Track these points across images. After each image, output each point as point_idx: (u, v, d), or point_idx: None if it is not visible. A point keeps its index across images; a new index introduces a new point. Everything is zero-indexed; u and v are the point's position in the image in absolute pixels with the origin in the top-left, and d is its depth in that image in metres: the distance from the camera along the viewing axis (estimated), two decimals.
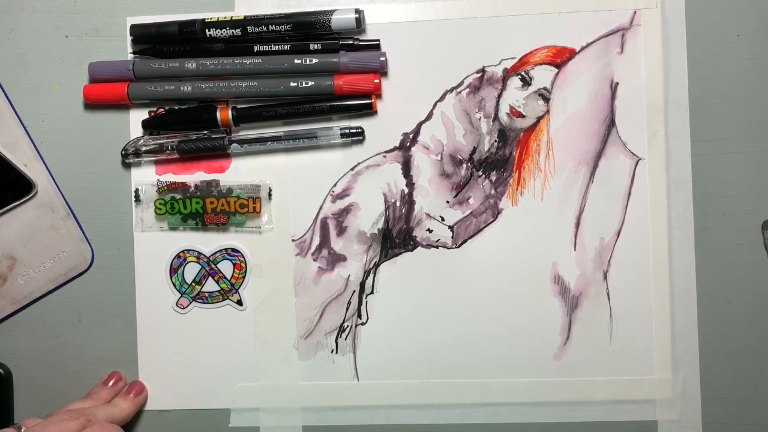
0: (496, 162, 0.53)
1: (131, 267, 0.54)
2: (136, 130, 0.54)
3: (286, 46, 0.52)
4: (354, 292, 0.54)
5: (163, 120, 0.54)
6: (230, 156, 0.54)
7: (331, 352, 0.54)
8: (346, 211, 0.54)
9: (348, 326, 0.54)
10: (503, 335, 0.53)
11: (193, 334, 0.54)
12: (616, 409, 0.53)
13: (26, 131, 0.54)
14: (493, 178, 0.53)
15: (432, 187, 0.53)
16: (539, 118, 0.53)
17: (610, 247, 0.52)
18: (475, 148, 0.53)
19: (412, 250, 0.53)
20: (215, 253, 0.54)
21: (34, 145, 0.54)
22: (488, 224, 0.53)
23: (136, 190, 0.54)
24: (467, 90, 0.53)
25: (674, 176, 0.52)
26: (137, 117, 0.54)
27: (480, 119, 0.53)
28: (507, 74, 0.53)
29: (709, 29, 0.52)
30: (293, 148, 0.53)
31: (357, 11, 0.51)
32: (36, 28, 0.54)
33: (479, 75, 0.53)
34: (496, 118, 0.53)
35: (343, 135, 0.52)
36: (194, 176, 0.54)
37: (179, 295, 0.54)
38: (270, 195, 0.54)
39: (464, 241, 0.53)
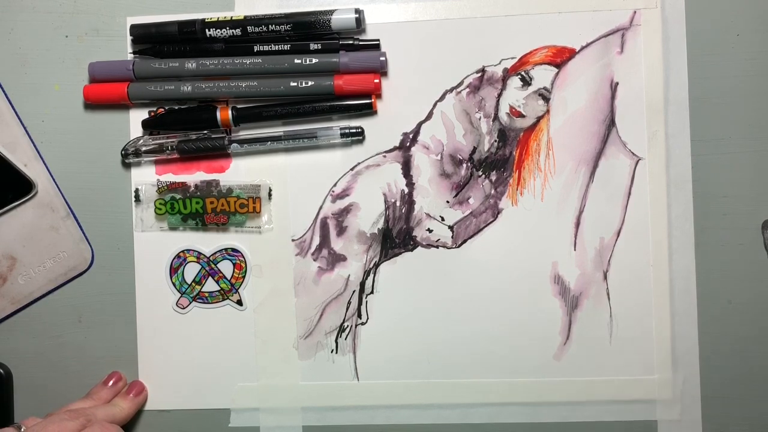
0: (496, 162, 0.53)
1: (131, 267, 0.54)
2: (136, 130, 0.54)
3: (286, 46, 0.52)
4: (354, 292, 0.54)
5: (163, 120, 0.54)
6: (230, 156, 0.54)
7: (331, 352, 0.54)
8: (346, 211, 0.54)
9: (348, 326, 0.54)
10: (503, 335, 0.53)
11: (193, 334, 0.54)
12: (616, 409, 0.53)
13: (26, 131, 0.54)
14: (493, 178, 0.53)
15: (432, 187, 0.53)
16: (539, 118, 0.53)
17: (610, 247, 0.52)
18: (475, 148, 0.53)
19: (412, 250, 0.53)
20: (215, 253, 0.54)
21: (34, 145, 0.54)
22: (488, 224, 0.53)
23: (136, 190, 0.54)
24: (467, 90, 0.53)
25: (674, 176, 0.52)
26: (137, 117, 0.54)
27: (480, 119, 0.53)
28: (507, 74, 0.53)
29: (709, 29, 0.52)
30: (293, 148, 0.53)
31: (357, 11, 0.51)
32: (36, 28, 0.54)
33: (479, 75, 0.53)
34: (496, 118, 0.53)
35: (343, 135, 0.52)
36: (194, 176, 0.54)
37: (179, 295, 0.54)
38: (270, 195, 0.54)
39: (464, 241, 0.53)
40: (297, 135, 0.53)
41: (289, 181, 0.54)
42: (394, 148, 0.53)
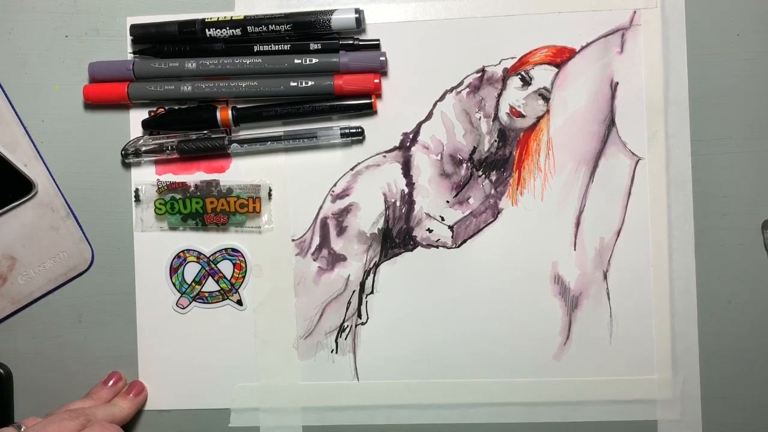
0: (496, 162, 0.53)
1: (131, 267, 0.54)
2: (136, 130, 0.54)
3: (286, 46, 0.52)
4: (354, 292, 0.54)
5: (163, 120, 0.54)
6: (230, 156, 0.54)
7: (331, 352, 0.54)
8: (346, 211, 0.54)
9: (348, 326, 0.54)
10: (503, 335, 0.53)
11: (193, 334, 0.54)
12: (616, 409, 0.53)
13: (26, 131, 0.54)
14: (493, 177, 0.53)
15: (432, 187, 0.53)
16: (539, 118, 0.53)
17: (610, 247, 0.52)
18: (475, 148, 0.53)
19: (412, 250, 0.53)
20: (215, 253, 0.54)
21: (34, 145, 0.54)
22: (488, 224, 0.53)
23: (136, 190, 0.54)
24: (467, 90, 0.53)
25: (674, 176, 0.52)
26: (137, 117, 0.54)
27: (480, 119, 0.53)
28: (507, 74, 0.53)
29: (709, 29, 0.52)
30: (293, 148, 0.53)
31: (357, 11, 0.51)
32: (36, 28, 0.54)
33: (479, 75, 0.53)
34: (496, 117, 0.53)
35: (343, 135, 0.52)
36: (194, 176, 0.54)
37: (179, 295, 0.54)
38: (270, 195, 0.54)
39: (464, 241, 0.53)
40: (297, 135, 0.53)
41: (289, 181, 0.54)
42: (394, 148, 0.53)
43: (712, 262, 0.52)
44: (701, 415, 0.52)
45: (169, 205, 0.53)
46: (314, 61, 0.51)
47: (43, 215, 0.54)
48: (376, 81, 0.52)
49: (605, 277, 0.53)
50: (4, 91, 0.54)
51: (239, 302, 0.54)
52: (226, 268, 0.54)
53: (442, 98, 0.53)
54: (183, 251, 0.54)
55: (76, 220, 0.55)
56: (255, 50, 0.52)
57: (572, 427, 0.53)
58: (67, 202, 0.55)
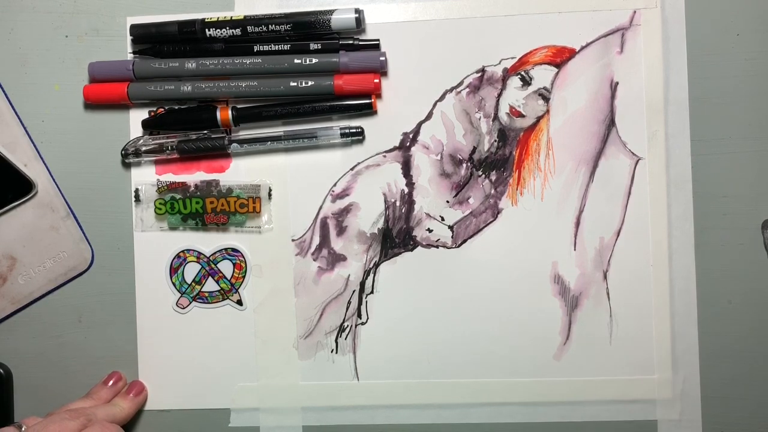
0: (496, 162, 0.53)
1: (131, 267, 0.54)
2: (136, 130, 0.54)
3: (286, 46, 0.52)
4: (354, 291, 0.54)
5: (163, 120, 0.54)
6: (230, 156, 0.54)
7: (331, 352, 0.54)
8: (346, 210, 0.54)
9: (348, 326, 0.54)
10: (503, 335, 0.53)
11: (193, 334, 0.54)
12: (616, 409, 0.53)
13: (26, 131, 0.54)
14: (493, 177, 0.53)
15: (432, 187, 0.53)
16: (539, 118, 0.53)
17: (610, 247, 0.52)
18: (475, 148, 0.53)
19: (412, 250, 0.53)
20: (215, 253, 0.54)
21: (34, 145, 0.54)
22: (488, 224, 0.53)
23: (136, 190, 0.54)
24: (467, 90, 0.53)
25: (674, 176, 0.52)
26: (137, 117, 0.54)
27: (480, 119, 0.53)
28: (507, 74, 0.53)
29: (709, 29, 0.52)
30: (293, 148, 0.54)
31: (357, 11, 0.51)
32: (36, 28, 0.54)
33: (479, 75, 0.53)
34: (496, 117, 0.53)
35: (343, 135, 0.52)
36: (194, 176, 0.54)
37: (179, 295, 0.54)
38: (270, 195, 0.54)
39: (464, 241, 0.53)
40: (297, 135, 0.53)
41: (289, 181, 0.54)
42: (394, 148, 0.53)
43: (712, 262, 0.52)
44: (701, 415, 0.52)
45: (169, 205, 0.53)
46: (314, 61, 0.51)
47: (43, 215, 0.54)
48: (376, 81, 0.52)
49: (605, 277, 0.53)
50: (4, 91, 0.54)
51: (239, 302, 0.54)
52: (226, 268, 0.54)
53: (442, 98, 0.53)
54: (183, 251, 0.54)
55: (76, 220, 0.55)
56: (255, 50, 0.52)
57: (572, 426, 0.53)
58: (67, 202, 0.55)
